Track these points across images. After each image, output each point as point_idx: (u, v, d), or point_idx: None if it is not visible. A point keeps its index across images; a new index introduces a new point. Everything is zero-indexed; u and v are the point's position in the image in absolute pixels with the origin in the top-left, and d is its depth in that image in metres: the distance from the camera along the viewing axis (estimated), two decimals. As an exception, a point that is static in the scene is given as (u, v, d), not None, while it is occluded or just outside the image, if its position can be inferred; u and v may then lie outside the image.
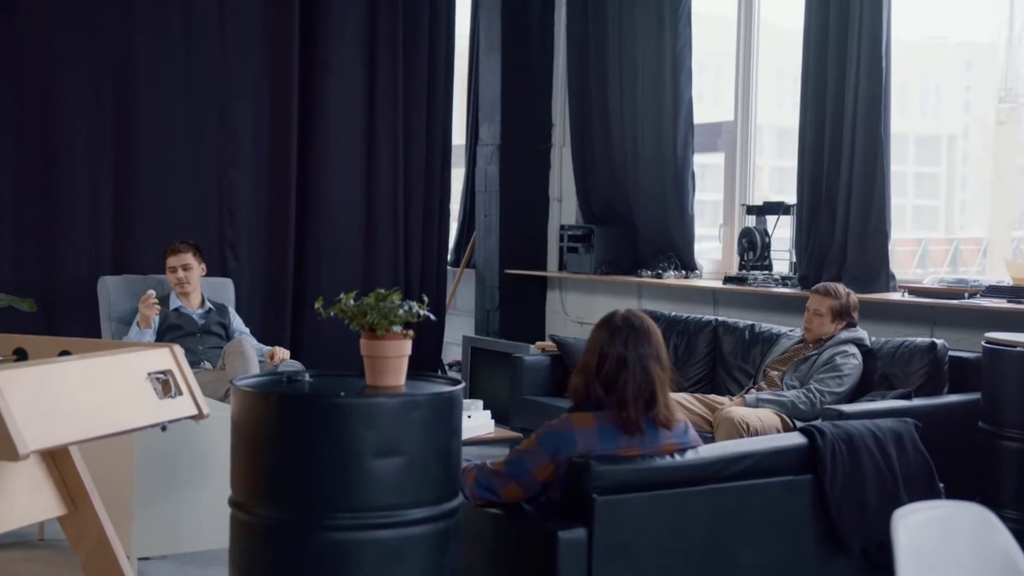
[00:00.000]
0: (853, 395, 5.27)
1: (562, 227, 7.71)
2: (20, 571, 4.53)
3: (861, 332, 5.44)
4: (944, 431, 4.46)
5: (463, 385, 3.22)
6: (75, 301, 6.71)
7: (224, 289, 6.73)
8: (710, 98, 7.50)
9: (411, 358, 3.17)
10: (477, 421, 5.51)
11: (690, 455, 3.49)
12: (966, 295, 5.42)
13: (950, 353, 5.21)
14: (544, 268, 7.98)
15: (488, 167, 7.99)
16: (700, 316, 6.50)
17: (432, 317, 3.23)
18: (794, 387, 5.34)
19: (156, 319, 6.11)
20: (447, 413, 3.09)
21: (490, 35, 7.98)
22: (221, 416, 3.74)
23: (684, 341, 6.38)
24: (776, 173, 7.44)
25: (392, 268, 7.82)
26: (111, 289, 6.41)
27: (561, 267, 7.70)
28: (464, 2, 8.45)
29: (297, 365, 6.14)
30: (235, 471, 3.11)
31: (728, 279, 6.56)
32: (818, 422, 3.98)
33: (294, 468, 2.97)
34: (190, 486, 4.44)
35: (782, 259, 6.53)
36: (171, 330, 6.15)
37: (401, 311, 3.07)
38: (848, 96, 5.88)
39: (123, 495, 4.31)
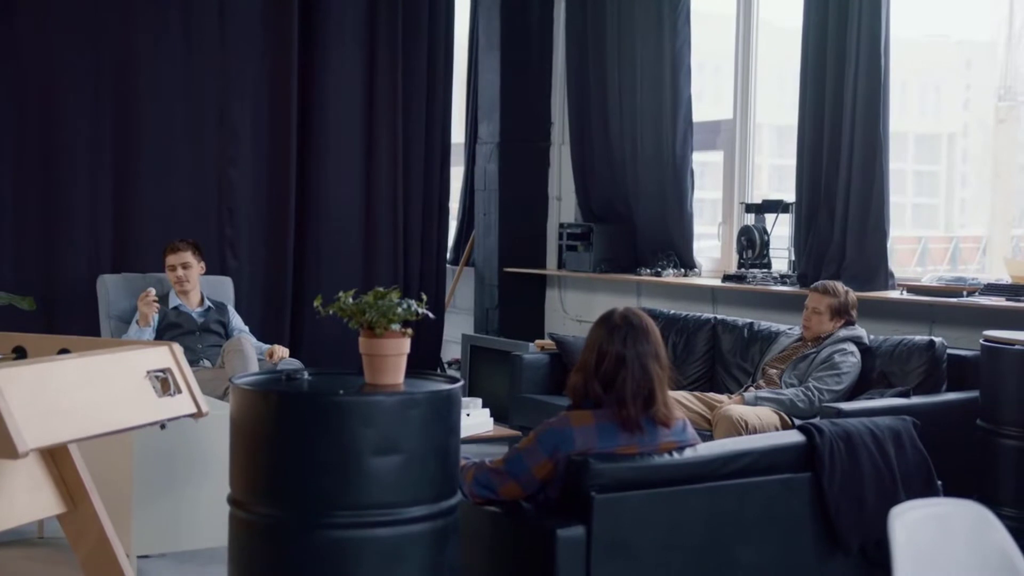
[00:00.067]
0: (852, 393, 5.27)
1: (561, 225, 7.72)
2: (20, 569, 4.54)
3: (860, 330, 5.44)
4: (942, 429, 4.47)
5: (462, 383, 3.23)
6: (75, 300, 6.72)
7: (223, 287, 6.74)
8: (709, 96, 7.50)
9: (410, 356, 3.18)
10: (476, 419, 5.52)
11: (688, 453, 3.49)
12: (965, 293, 5.42)
13: (948, 351, 5.22)
14: (543, 266, 7.98)
15: (487, 165, 7.99)
16: (699, 314, 6.50)
17: (431, 315, 3.23)
18: (793, 385, 5.35)
19: (155, 317, 6.12)
20: (446, 411, 3.09)
21: (489, 33, 7.98)
22: (220, 414, 3.74)
23: (683, 339, 6.38)
24: (775, 171, 7.44)
25: (391, 266, 7.82)
26: (110, 288, 6.42)
27: (560, 265, 7.70)
28: (463, 1, 8.45)
29: (296, 363, 6.14)
30: (234, 469, 3.12)
31: (727, 277, 6.56)
32: (816, 420, 3.98)
33: (293, 466, 2.97)
34: (189, 484, 4.44)
35: (781, 257, 6.53)
36: (170, 328, 6.16)
37: (400, 309, 3.08)
38: (847, 94, 5.88)
39: (122, 493, 4.32)
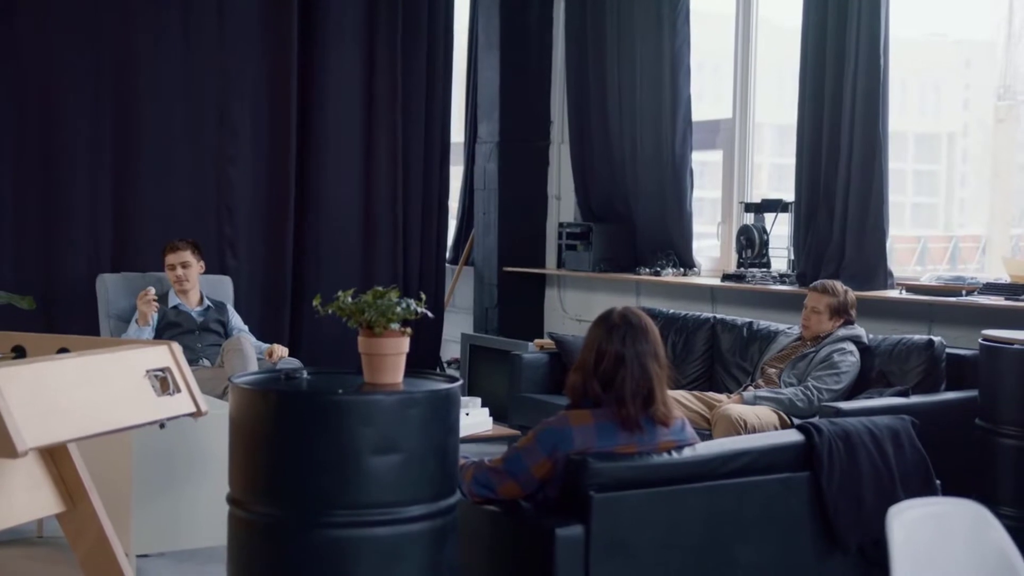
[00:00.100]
0: (851, 392, 5.27)
1: (561, 225, 7.72)
2: (19, 568, 4.54)
3: (859, 329, 5.44)
4: (941, 428, 4.47)
5: (460, 382, 3.23)
6: (74, 299, 6.72)
7: (223, 287, 6.74)
8: (709, 96, 7.50)
9: (410, 356, 3.18)
10: (475, 418, 5.52)
11: (687, 452, 3.49)
12: (963, 292, 5.42)
13: (947, 350, 5.22)
14: (543, 266, 7.98)
15: (487, 165, 7.99)
16: (698, 313, 6.51)
17: (429, 315, 3.23)
18: (792, 384, 5.35)
19: (154, 316, 6.12)
20: (445, 410, 3.09)
21: (489, 32, 7.98)
22: (219, 413, 3.74)
23: (682, 339, 6.38)
24: (775, 170, 7.44)
25: (391, 266, 7.83)
26: (110, 287, 6.42)
27: (560, 265, 7.70)
28: (463, 0, 8.45)
29: (295, 362, 6.15)
30: (233, 468, 3.12)
31: (726, 276, 6.56)
32: (815, 419, 3.98)
33: (292, 465, 2.98)
34: (188, 483, 4.45)
35: (780, 256, 6.53)
36: (170, 328, 6.16)
37: (399, 308, 3.08)
38: (846, 93, 5.88)
39: (122, 492, 4.32)
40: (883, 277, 5.82)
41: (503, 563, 3.49)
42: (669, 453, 3.45)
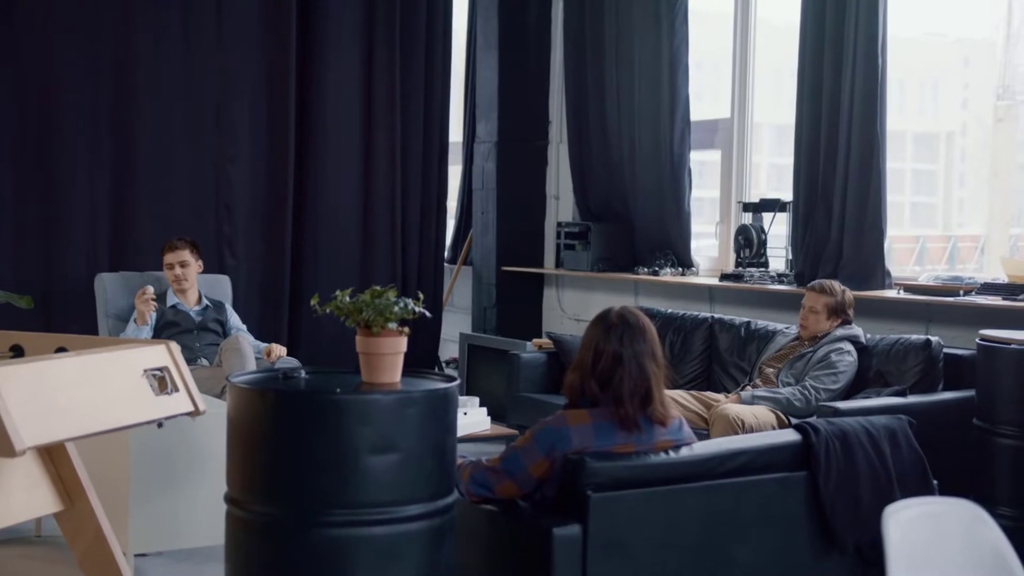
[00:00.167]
0: (848, 392, 5.28)
1: (559, 224, 7.72)
2: (17, 567, 4.54)
3: (856, 329, 5.45)
4: (938, 428, 4.47)
5: (458, 382, 3.23)
6: (73, 298, 6.72)
7: (221, 286, 6.74)
8: (707, 95, 7.50)
9: (408, 355, 3.18)
10: (473, 418, 5.52)
11: (685, 452, 3.50)
12: (961, 292, 5.43)
13: (945, 350, 5.22)
14: (541, 265, 7.99)
15: (485, 164, 7.99)
16: (696, 313, 6.51)
17: (427, 314, 3.24)
18: (789, 384, 5.35)
19: (153, 316, 6.13)
20: (442, 410, 3.10)
21: (487, 32, 7.99)
22: (217, 413, 3.75)
23: (680, 338, 6.38)
24: (774, 170, 7.45)
25: (389, 265, 7.83)
26: (108, 286, 6.42)
27: (558, 264, 7.70)
28: (461, 0, 8.46)
29: (294, 362, 6.15)
30: (231, 468, 3.12)
31: (724, 276, 6.57)
32: (813, 419, 3.98)
33: (290, 465, 2.98)
34: (186, 482, 4.45)
35: (778, 256, 6.54)
36: (168, 327, 6.16)
37: (396, 308, 3.08)
38: (844, 93, 5.88)
39: (119, 491, 4.32)
40: (881, 277, 5.82)
41: (501, 563, 3.49)
42: (667, 453, 3.46)
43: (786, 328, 5.87)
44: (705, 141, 7.18)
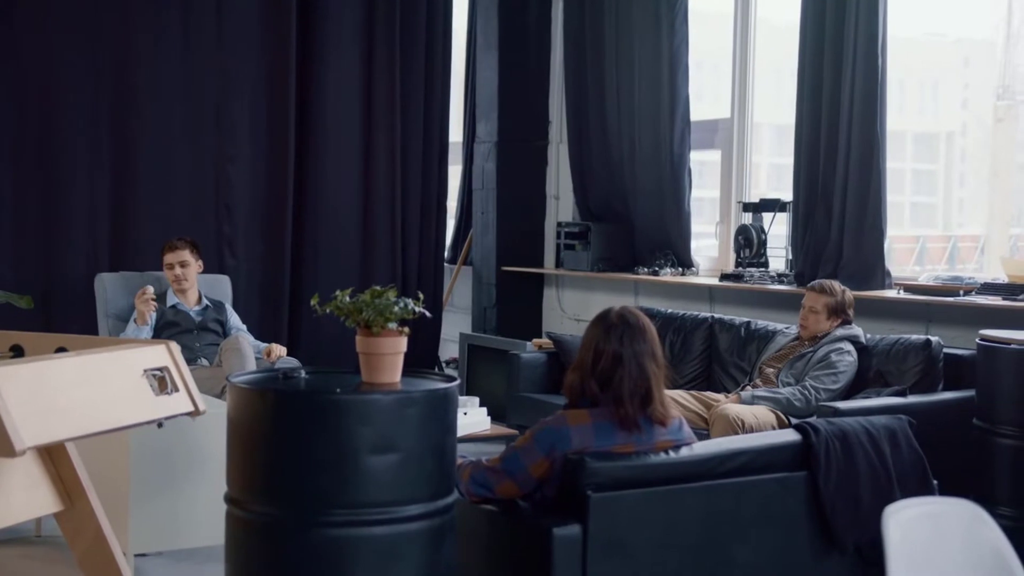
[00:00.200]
0: (848, 392, 5.28)
1: (559, 224, 7.72)
2: (17, 567, 4.54)
3: (856, 329, 5.45)
4: (938, 428, 4.47)
5: (458, 382, 3.24)
6: (73, 298, 6.73)
7: (221, 286, 6.74)
8: (707, 95, 7.50)
9: (408, 355, 3.18)
10: (473, 418, 5.53)
11: (685, 452, 3.50)
12: (961, 292, 5.43)
13: (945, 350, 5.22)
14: (541, 265, 7.99)
15: (485, 164, 8.00)
16: (696, 313, 6.51)
17: (427, 314, 3.24)
18: (789, 384, 5.36)
19: (153, 316, 6.13)
20: (442, 410, 3.10)
21: (487, 32, 7.99)
22: (217, 413, 3.75)
23: (680, 338, 6.38)
24: (774, 170, 7.45)
25: (389, 265, 7.83)
26: (108, 286, 6.42)
27: (558, 264, 7.70)
28: (461, 0, 8.46)
29: (294, 362, 6.15)
30: (231, 468, 3.12)
31: (724, 276, 6.57)
32: (813, 419, 3.98)
33: (290, 465, 2.98)
34: (186, 482, 4.45)
35: (778, 256, 6.54)
36: (168, 327, 6.16)
37: (396, 308, 3.08)
38: (844, 93, 5.88)
39: (119, 491, 4.32)
40: (881, 277, 5.82)
41: (501, 562, 3.49)
42: (667, 453, 3.46)
43: (786, 328, 5.87)
44: (705, 141, 7.18)
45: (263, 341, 6.38)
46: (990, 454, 4.62)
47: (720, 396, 5.59)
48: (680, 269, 6.99)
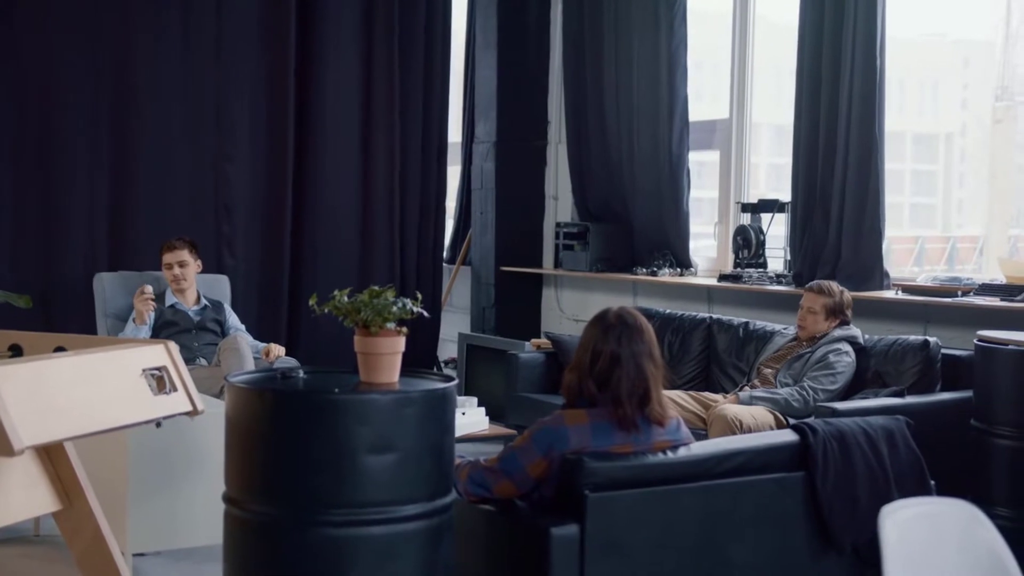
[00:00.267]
0: (846, 393, 5.28)
1: (558, 224, 7.72)
2: (16, 567, 4.55)
3: (855, 330, 5.45)
4: (936, 429, 4.47)
5: (456, 382, 3.24)
6: (71, 298, 6.73)
7: (220, 286, 6.75)
8: (706, 96, 7.50)
9: (407, 355, 3.19)
10: (471, 418, 5.53)
11: (682, 452, 3.50)
12: (959, 293, 5.43)
13: (943, 351, 5.22)
14: (540, 265, 7.99)
15: (484, 164, 8.00)
16: (695, 314, 6.51)
17: (425, 314, 3.24)
18: (788, 385, 5.36)
19: (151, 316, 6.13)
20: (440, 410, 3.10)
21: (486, 32, 7.99)
22: (216, 412, 3.75)
23: (679, 338, 6.39)
24: (772, 171, 7.45)
25: (388, 265, 7.84)
26: (107, 286, 6.43)
27: (557, 264, 7.70)
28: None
29: (292, 362, 6.16)
30: (229, 467, 3.13)
31: (723, 277, 6.57)
32: (810, 419, 3.99)
33: (288, 464, 2.98)
34: (185, 482, 4.45)
35: (777, 257, 6.54)
36: (167, 327, 6.17)
37: (395, 308, 3.09)
38: (843, 94, 5.89)
39: (118, 491, 4.32)
40: (879, 278, 5.82)
41: (498, 562, 3.50)
42: (664, 453, 3.46)
43: (784, 329, 5.88)
44: (704, 141, 7.18)
45: (262, 341, 6.38)
46: (987, 455, 4.62)
47: (718, 396, 5.59)
48: (678, 269, 6.99)
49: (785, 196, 6.41)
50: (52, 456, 3.35)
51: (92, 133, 6.86)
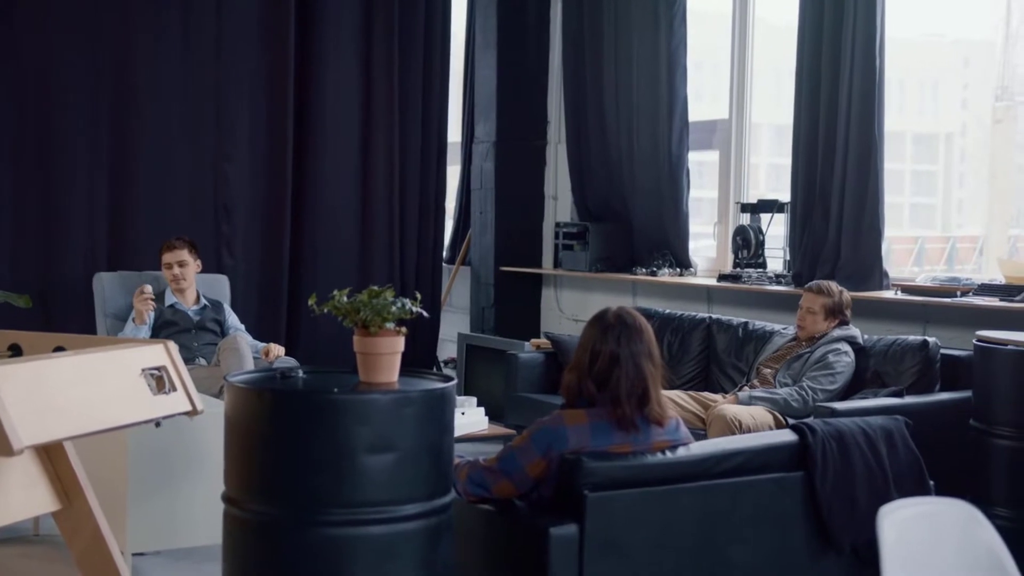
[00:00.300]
0: (845, 393, 5.28)
1: (557, 224, 7.72)
2: (15, 567, 4.55)
3: (854, 330, 5.45)
4: (935, 429, 4.48)
5: (455, 382, 3.24)
6: (71, 297, 6.73)
7: (219, 286, 6.75)
8: (705, 96, 7.51)
9: (407, 355, 3.19)
10: (471, 418, 5.53)
11: (681, 452, 3.51)
12: (958, 293, 5.43)
13: (942, 351, 5.23)
14: (539, 265, 7.99)
15: (484, 164, 8.00)
16: (694, 314, 6.51)
17: (424, 314, 3.25)
18: (787, 385, 5.36)
19: (151, 315, 6.13)
20: (439, 410, 3.10)
21: (486, 32, 7.99)
22: (215, 412, 3.75)
23: (678, 339, 6.39)
24: (771, 171, 7.45)
25: (388, 265, 7.84)
26: (107, 285, 6.43)
27: (556, 264, 7.70)
28: (460, -1, 8.48)
29: (292, 362, 6.16)
30: (229, 467, 3.13)
31: (722, 277, 6.57)
32: (810, 419, 3.99)
33: (287, 464, 2.99)
34: (184, 482, 4.45)
35: (776, 257, 6.54)
36: (166, 326, 6.17)
37: (394, 308, 3.09)
38: (843, 94, 5.89)
39: (117, 491, 4.32)
40: (878, 278, 5.82)
41: (497, 562, 3.50)
42: (663, 453, 3.46)
43: (784, 329, 5.88)
44: (703, 141, 7.18)
45: (261, 341, 6.38)
46: (986, 455, 4.62)
47: (718, 396, 5.60)
48: (678, 269, 6.99)
49: (784, 196, 6.41)
50: (51, 456, 3.34)
51: (92, 133, 6.86)
